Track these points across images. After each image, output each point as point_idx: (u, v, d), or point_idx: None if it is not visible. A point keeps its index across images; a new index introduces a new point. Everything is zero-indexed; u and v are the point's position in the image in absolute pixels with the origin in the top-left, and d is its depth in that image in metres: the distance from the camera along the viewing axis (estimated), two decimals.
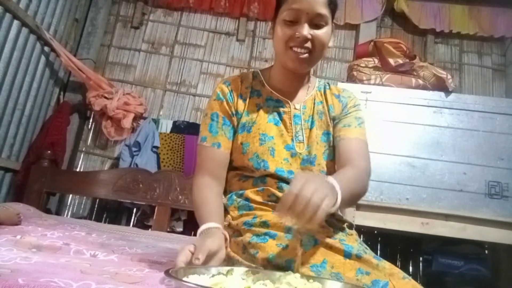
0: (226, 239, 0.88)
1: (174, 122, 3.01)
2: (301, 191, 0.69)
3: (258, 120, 1.04)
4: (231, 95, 1.07)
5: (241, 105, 1.07)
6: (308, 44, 0.97)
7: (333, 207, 0.75)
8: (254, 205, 0.98)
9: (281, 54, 1.02)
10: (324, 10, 0.96)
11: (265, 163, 0.99)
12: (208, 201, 0.98)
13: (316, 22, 0.97)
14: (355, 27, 3.23)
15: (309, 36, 0.96)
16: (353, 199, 0.96)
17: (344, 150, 1.02)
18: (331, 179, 0.80)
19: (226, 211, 1.03)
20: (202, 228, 0.89)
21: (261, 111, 1.06)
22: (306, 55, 0.98)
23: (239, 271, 0.72)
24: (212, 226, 0.89)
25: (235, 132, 1.06)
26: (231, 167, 1.07)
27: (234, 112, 1.06)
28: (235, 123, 1.06)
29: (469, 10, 3.12)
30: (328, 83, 1.16)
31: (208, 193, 1.00)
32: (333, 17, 1.02)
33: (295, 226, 0.72)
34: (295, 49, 0.97)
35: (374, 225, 2.19)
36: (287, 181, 0.98)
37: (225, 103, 1.06)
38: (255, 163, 1.00)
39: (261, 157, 1.00)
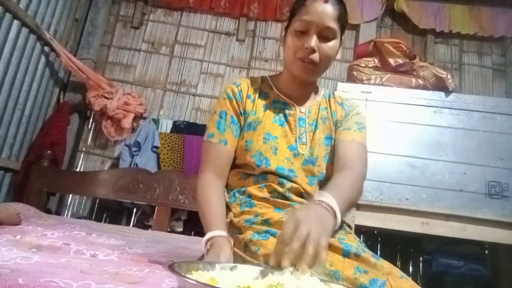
0: (231, 247, 0.90)
1: (174, 122, 3.01)
2: (295, 235, 0.68)
3: (264, 120, 1.08)
4: (240, 95, 1.11)
5: (249, 104, 1.11)
6: (315, 56, 1.01)
7: (335, 227, 0.79)
8: (256, 202, 1.00)
9: (289, 62, 1.06)
10: (333, 24, 1.00)
11: (267, 161, 1.02)
12: (213, 202, 1.00)
13: (324, 34, 1.01)
14: (355, 27, 3.23)
15: (316, 48, 1.00)
16: (349, 207, 0.97)
17: (342, 152, 1.04)
18: (329, 198, 0.81)
19: (228, 208, 1.04)
20: (208, 235, 0.90)
21: (268, 112, 1.10)
22: (311, 66, 1.02)
23: (243, 268, 0.72)
24: (219, 234, 0.90)
25: (241, 131, 1.10)
26: (233, 165, 1.09)
27: (242, 111, 1.10)
28: (242, 122, 1.10)
29: (469, 10, 3.12)
30: (332, 93, 1.21)
31: (213, 193, 1.02)
32: (342, 32, 1.06)
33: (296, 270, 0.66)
34: (302, 60, 1.01)
35: (374, 225, 2.19)
36: (288, 179, 1.01)
37: (234, 102, 1.10)
38: (257, 160, 1.02)
39: (264, 154, 1.03)
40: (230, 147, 1.07)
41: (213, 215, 0.96)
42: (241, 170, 1.07)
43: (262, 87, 1.16)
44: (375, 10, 3.14)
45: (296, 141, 1.06)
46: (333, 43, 1.03)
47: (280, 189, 1.00)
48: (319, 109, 1.13)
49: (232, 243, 0.92)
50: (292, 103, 1.12)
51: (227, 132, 1.07)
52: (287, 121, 1.09)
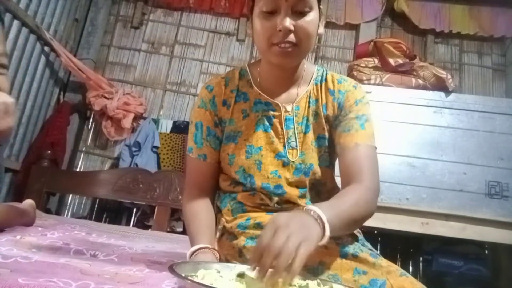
0: (217, 259, 0.85)
1: (174, 122, 3.01)
2: (271, 242, 0.62)
3: (245, 130, 0.96)
4: (213, 103, 0.98)
5: (225, 112, 0.98)
6: (292, 37, 0.85)
7: (322, 241, 0.68)
8: (248, 208, 0.97)
9: (264, 51, 0.90)
10: None
11: (251, 178, 0.94)
12: (199, 217, 0.95)
13: (298, 9, 0.84)
14: (355, 27, 3.23)
15: (292, 28, 0.84)
16: (354, 224, 0.84)
17: (347, 163, 0.90)
18: (317, 209, 0.70)
19: (220, 213, 1.01)
20: (192, 249, 0.86)
21: (248, 119, 0.97)
22: (291, 49, 0.86)
23: (242, 268, 0.72)
24: (202, 247, 0.85)
25: (222, 141, 1.00)
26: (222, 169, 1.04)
27: (218, 121, 0.99)
28: (221, 132, 0.99)
29: (469, 10, 3.12)
30: (326, 71, 1.02)
31: (198, 208, 0.97)
32: (319, 0, 0.90)
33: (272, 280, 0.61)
34: (279, 45, 0.86)
35: (374, 225, 2.19)
36: (275, 194, 0.94)
37: (208, 112, 0.98)
38: (241, 178, 0.95)
39: (248, 171, 0.94)
40: (210, 160, 0.99)
41: (198, 231, 0.91)
42: (231, 177, 1.00)
43: (241, 85, 0.99)
44: (375, 10, 3.14)
45: (284, 146, 0.94)
46: (311, 17, 0.86)
47: (269, 202, 0.94)
48: (309, 102, 0.97)
49: (218, 256, 0.86)
50: (275, 102, 0.96)
51: (205, 146, 0.98)
52: (272, 124, 0.95)
